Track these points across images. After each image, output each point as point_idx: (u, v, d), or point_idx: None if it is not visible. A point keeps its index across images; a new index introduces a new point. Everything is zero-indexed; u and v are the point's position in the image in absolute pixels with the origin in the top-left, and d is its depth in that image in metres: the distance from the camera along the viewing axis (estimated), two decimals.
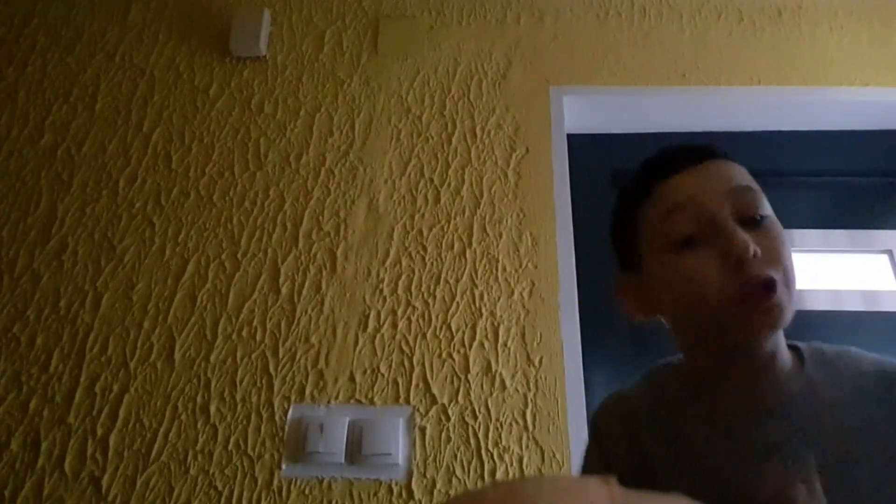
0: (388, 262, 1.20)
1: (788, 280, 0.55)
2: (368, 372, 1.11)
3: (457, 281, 1.18)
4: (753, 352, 0.57)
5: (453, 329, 1.14)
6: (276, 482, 1.03)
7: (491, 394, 1.09)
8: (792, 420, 0.55)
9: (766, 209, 0.58)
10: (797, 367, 0.59)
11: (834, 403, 0.55)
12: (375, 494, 1.02)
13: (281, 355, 1.13)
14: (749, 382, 0.57)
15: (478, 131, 1.34)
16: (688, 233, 0.57)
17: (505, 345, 1.13)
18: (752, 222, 0.56)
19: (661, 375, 0.67)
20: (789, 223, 0.70)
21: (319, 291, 1.18)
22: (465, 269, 1.19)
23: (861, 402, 0.54)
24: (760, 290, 0.53)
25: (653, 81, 1.40)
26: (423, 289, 1.18)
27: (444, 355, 1.12)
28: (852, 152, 1.44)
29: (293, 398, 1.09)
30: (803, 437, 0.53)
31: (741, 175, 0.60)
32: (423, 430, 1.06)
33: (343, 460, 1.03)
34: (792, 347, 0.61)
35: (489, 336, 1.13)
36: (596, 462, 0.69)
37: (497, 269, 1.19)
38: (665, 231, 0.59)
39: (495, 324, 1.14)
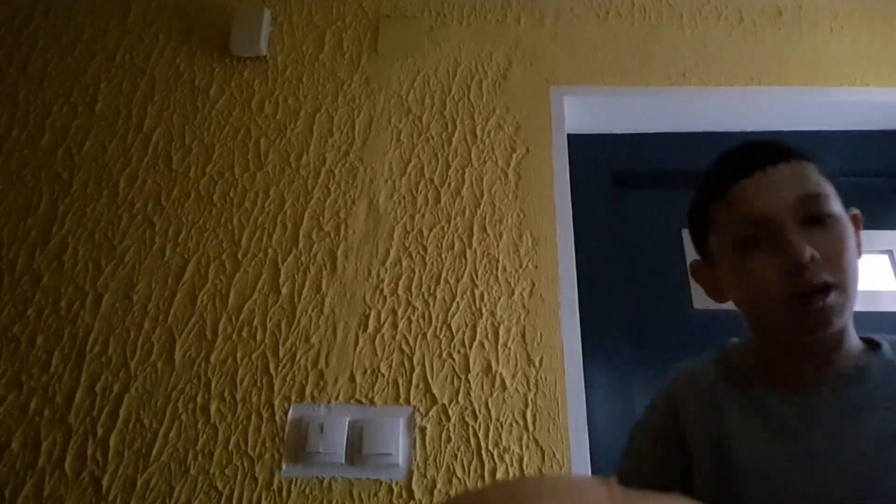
0: (388, 262, 1.20)
1: (845, 281, 0.59)
2: (368, 372, 1.11)
3: (457, 281, 1.18)
4: (814, 343, 0.61)
5: (453, 329, 1.14)
6: (276, 482, 1.03)
7: (491, 394, 1.09)
8: (871, 386, 0.59)
9: (833, 208, 0.62)
10: (872, 349, 0.63)
11: None
12: (375, 494, 1.02)
13: (281, 355, 1.13)
14: (817, 359, 0.62)
15: (478, 131, 1.34)
16: (753, 236, 0.62)
17: (505, 345, 1.13)
18: (817, 222, 0.60)
19: (729, 352, 0.71)
20: None
21: (320, 291, 1.18)
22: (465, 269, 1.19)
23: None
24: (813, 295, 0.57)
25: (653, 81, 1.40)
26: (423, 289, 1.18)
27: (444, 355, 1.12)
28: (852, 152, 1.44)
29: (293, 398, 1.09)
30: (886, 401, 0.58)
31: (811, 180, 0.63)
32: (423, 430, 1.06)
33: (343, 460, 1.03)
34: (866, 339, 0.65)
35: (489, 336, 1.14)
36: (665, 435, 0.70)
37: (497, 269, 1.19)
38: (733, 233, 0.63)
39: (495, 324, 1.14)
